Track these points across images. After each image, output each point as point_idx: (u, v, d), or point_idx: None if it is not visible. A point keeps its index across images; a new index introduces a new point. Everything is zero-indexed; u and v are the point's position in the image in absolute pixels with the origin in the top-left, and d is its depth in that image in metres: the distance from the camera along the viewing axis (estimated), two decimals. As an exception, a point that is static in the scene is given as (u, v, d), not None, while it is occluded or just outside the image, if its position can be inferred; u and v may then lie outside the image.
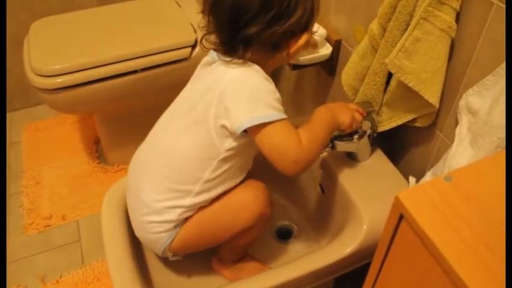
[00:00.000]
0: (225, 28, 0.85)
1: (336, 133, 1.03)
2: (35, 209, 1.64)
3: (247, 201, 0.96)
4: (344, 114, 0.96)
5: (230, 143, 0.89)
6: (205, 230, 0.99)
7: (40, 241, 1.55)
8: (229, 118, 0.84)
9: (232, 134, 0.87)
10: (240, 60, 0.86)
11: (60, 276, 1.43)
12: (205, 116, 0.87)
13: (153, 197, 0.96)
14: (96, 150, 1.87)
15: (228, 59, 0.86)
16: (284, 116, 0.86)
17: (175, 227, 0.97)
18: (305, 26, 0.87)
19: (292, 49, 0.89)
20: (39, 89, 1.41)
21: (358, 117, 0.99)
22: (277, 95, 0.87)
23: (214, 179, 0.93)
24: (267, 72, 0.88)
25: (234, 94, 0.84)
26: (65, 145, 1.90)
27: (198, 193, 0.94)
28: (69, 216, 1.62)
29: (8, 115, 2.06)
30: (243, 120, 0.83)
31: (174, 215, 0.95)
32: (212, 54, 0.91)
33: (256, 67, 0.87)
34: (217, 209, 0.97)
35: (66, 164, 1.81)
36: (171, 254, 1.02)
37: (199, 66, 0.96)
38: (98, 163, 1.81)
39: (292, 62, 1.23)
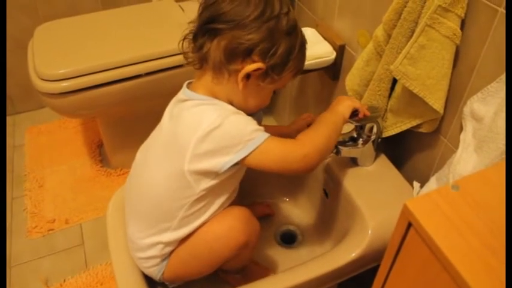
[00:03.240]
0: (200, 16, 0.87)
1: (340, 138, 1.04)
2: (38, 213, 1.64)
3: (222, 234, 0.94)
4: (340, 103, 0.97)
5: (207, 182, 0.88)
6: (188, 264, 0.98)
7: (43, 245, 1.55)
8: (212, 159, 0.84)
9: (211, 174, 0.87)
10: (214, 100, 0.87)
11: (64, 280, 1.44)
12: (180, 162, 0.86)
13: (136, 233, 0.98)
14: (99, 154, 1.87)
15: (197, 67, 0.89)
16: (267, 134, 0.86)
17: (161, 261, 0.98)
18: (264, 55, 0.84)
19: (242, 71, 0.84)
20: (43, 93, 1.42)
21: (356, 99, 1.00)
22: (254, 121, 0.87)
23: (190, 215, 0.93)
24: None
25: (216, 138, 0.83)
26: (68, 148, 1.90)
27: (176, 229, 0.94)
28: (73, 220, 1.62)
29: (11, 118, 2.07)
30: (231, 156, 0.84)
31: (156, 251, 0.96)
32: (187, 92, 0.90)
33: (226, 105, 0.87)
34: (194, 243, 0.96)
35: (69, 167, 1.82)
36: (168, 283, 1.04)
37: (172, 102, 0.94)
38: (101, 166, 1.81)
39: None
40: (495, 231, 0.49)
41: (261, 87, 0.88)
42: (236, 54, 0.84)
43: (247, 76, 0.86)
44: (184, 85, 0.93)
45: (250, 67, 0.84)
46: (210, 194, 0.91)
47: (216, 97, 0.88)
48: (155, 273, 0.99)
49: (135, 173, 1.01)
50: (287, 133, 1.04)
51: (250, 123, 0.86)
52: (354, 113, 0.98)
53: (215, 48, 0.84)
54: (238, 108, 0.89)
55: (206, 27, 0.85)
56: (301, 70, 0.93)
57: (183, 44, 0.91)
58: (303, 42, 0.90)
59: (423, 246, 0.50)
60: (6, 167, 1.83)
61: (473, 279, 0.44)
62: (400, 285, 0.59)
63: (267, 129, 0.89)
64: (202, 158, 0.85)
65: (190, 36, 0.89)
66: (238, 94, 0.88)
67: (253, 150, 0.84)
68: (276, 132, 0.92)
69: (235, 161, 0.84)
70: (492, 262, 0.46)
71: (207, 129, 0.82)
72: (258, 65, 0.84)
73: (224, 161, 0.84)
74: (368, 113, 0.99)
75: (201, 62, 0.88)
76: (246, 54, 0.83)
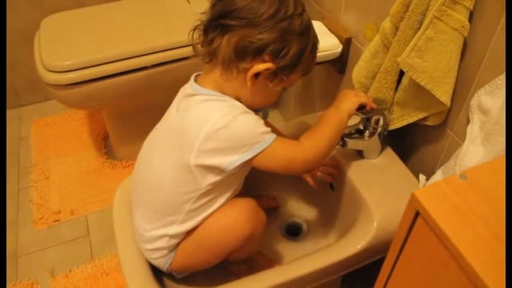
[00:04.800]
0: (213, 9, 0.85)
1: (346, 131, 1.04)
2: (44, 204, 1.65)
3: (228, 225, 0.94)
4: (345, 99, 0.97)
5: (213, 178, 0.89)
6: (194, 256, 0.99)
7: (49, 236, 1.56)
8: (218, 157, 0.85)
9: (216, 170, 0.87)
10: (222, 96, 0.87)
11: (70, 271, 1.45)
12: (186, 156, 0.86)
13: (143, 226, 0.98)
14: (105, 146, 1.88)
15: (206, 61, 0.88)
16: (274, 135, 0.87)
17: (168, 252, 0.98)
18: (275, 55, 0.83)
19: (251, 70, 0.83)
20: (50, 84, 1.42)
21: (362, 93, 1.00)
22: (261, 121, 0.87)
23: (196, 208, 0.93)
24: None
25: (223, 137, 0.83)
26: (73, 140, 1.91)
27: (182, 222, 0.94)
28: (78, 211, 1.63)
29: (17, 110, 2.08)
30: (237, 156, 0.85)
31: (162, 243, 0.96)
32: (194, 87, 0.89)
33: (235, 102, 0.87)
34: (200, 235, 0.96)
35: (75, 159, 1.83)
36: (176, 273, 1.05)
37: (181, 96, 0.93)
38: (107, 158, 1.82)
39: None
40: (503, 220, 0.49)
41: (269, 86, 0.88)
42: (246, 53, 0.83)
43: (256, 75, 0.85)
44: (192, 78, 0.93)
45: (259, 67, 0.83)
46: (216, 188, 0.91)
47: (224, 93, 0.88)
48: (162, 264, 1.00)
49: (141, 166, 1.01)
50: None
51: (258, 124, 0.86)
52: (361, 106, 0.98)
53: (225, 44, 0.83)
54: (246, 104, 0.89)
55: (217, 22, 0.84)
56: (310, 71, 0.93)
57: (193, 34, 0.90)
58: (314, 43, 0.89)
59: (431, 235, 0.50)
60: (13, 159, 1.84)
61: (481, 268, 0.44)
62: (407, 274, 0.59)
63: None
64: (208, 155, 0.85)
65: (201, 28, 0.88)
66: (246, 91, 0.88)
67: (259, 153, 0.85)
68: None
69: (241, 161, 0.85)
70: (500, 251, 0.46)
71: (215, 127, 0.82)
72: (268, 65, 0.83)
73: (230, 161, 0.85)
74: (374, 106, 0.99)
75: (211, 56, 0.87)
76: (257, 53, 0.83)
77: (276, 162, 0.88)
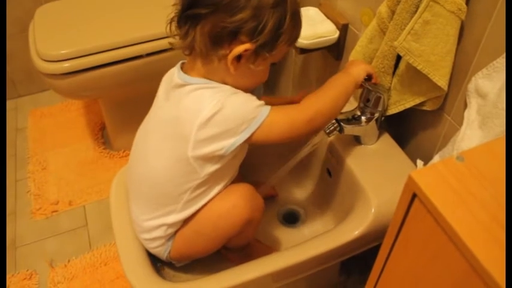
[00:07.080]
0: (181, 1, 0.83)
1: (343, 116, 1.04)
2: (42, 195, 1.65)
3: (226, 211, 0.94)
4: (355, 65, 0.97)
5: (211, 167, 0.88)
6: (193, 243, 0.99)
7: (48, 226, 1.56)
8: (216, 143, 0.84)
9: (215, 157, 0.87)
10: (211, 83, 0.86)
11: (68, 261, 1.45)
12: (183, 148, 0.86)
13: (140, 216, 0.98)
14: (102, 136, 1.88)
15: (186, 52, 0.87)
16: (269, 106, 0.86)
17: (166, 241, 0.98)
18: (251, 34, 0.81)
19: (230, 55, 0.82)
20: (45, 74, 1.41)
21: (370, 65, 1.00)
22: (253, 97, 0.86)
23: (195, 197, 0.93)
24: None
25: (219, 123, 0.82)
26: (70, 131, 1.90)
27: (181, 211, 0.94)
28: (76, 202, 1.63)
29: (14, 101, 2.07)
30: (236, 137, 0.84)
31: (160, 232, 0.96)
32: (182, 76, 0.88)
33: (224, 86, 0.86)
34: (198, 222, 0.96)
35: (72, 149, 1.82)
36: (175, 261, 1.05)
37: (168, 85, 0.92)
38: (104, 149, 1.82)
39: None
40: (500, 202, 0.48)
41: (254, 66, 0.86)
42: (222, 39, 0.81)
43: (238, 58, 0.83)
44: (178, 65, 0.91)
45: (237, 50, 0.81)
46: (214, 176, 0.91)
47: (211, 80, 0.87)
48: (162, 253, 1.00)
49: (136, 158, 1.00)
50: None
51: (250, 100, 0.85)
52: (367, 78, 0.98)
53: (199, 35, 0.81)
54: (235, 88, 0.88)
55: (187, 14, 0.82)
56: (297, 38, 0.90)
57: (170, 27, 0.88)
58: (295, 10, 0.85)
59: (428, 217, 0.50)
60: (10, 150, 1.84)
61: (478, 248, 0.44)
62: (404, 257, 0.59)
63: (271, 101, 0.88)
64: (206, 143, 0.84)
65: (176, 19, 0.86)
66: (231, 77, 0.86)
67: (258, 127, 0.84)
68: (280, 103, 0.92)
69: (241, 141, 0.84)
70: (497, 232, 0.46)
71: (208, 115, 0.81)
72: (246, 46, 0.81)
73: (229, 144, 0.84)
74: (379, 81, 1.00)
75: (190, 49, 0.86)
76: (232, 36, 0.81)
77: (278, 131, 0.86)
